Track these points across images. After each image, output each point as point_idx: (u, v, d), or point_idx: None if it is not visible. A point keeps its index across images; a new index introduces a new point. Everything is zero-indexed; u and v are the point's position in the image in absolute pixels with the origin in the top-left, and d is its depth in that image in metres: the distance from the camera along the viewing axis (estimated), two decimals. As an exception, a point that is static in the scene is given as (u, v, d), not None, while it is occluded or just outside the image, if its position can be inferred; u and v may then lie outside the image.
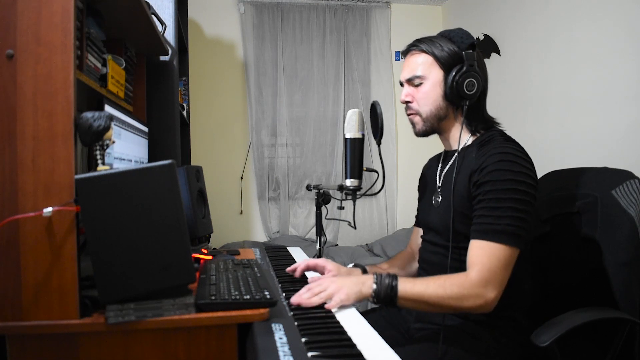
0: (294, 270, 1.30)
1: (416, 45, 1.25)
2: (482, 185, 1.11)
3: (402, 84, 1.29)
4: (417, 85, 1.24)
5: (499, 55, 3.17)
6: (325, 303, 1.05)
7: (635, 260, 1.18)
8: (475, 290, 1.04)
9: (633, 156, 2.09)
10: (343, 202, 1.44)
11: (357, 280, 1.09)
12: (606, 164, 1.34)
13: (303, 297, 1.06)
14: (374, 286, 1.07)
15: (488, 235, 1.08)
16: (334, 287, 1.07)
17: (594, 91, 2.35)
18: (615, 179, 1.25)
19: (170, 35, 2.13)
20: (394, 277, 1.07)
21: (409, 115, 1.29)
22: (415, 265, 1.46)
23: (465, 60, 1.19)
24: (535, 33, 2.80)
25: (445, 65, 1.21)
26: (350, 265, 1.38)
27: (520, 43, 2.94)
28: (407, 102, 1.27)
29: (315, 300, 1.05)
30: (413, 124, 1.28)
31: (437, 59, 1.21)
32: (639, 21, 2.09)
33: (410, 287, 1.06)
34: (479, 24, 3.34)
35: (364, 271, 1.34)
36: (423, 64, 1.23)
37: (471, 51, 1.20)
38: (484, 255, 1.07)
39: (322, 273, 1.28)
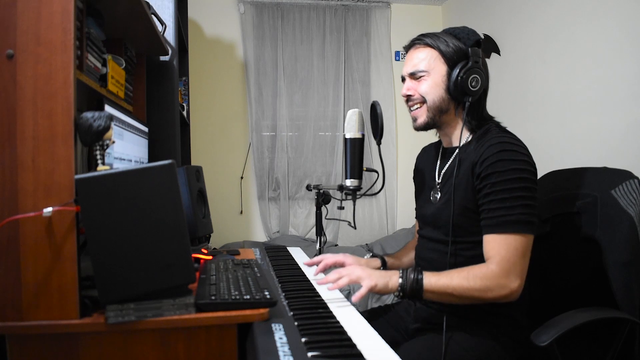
0: (310, 266, 1.32)
1: (420, 40, 1.25)
2: (487, 177, 1.12)
3: (403, 79, 1.29)
4: (419, 79, 1.24)
5: (499, 55, 3.17)
6: (327, 308, 1.05)
7: (635, 260, 1.18)
8: (498, 282, 1.06)
9: (633, 156, 2.09)
10: (343, 202, 1.44)
11: (384, 273, 1.12)
12: (606, 164, 1.34)
13: (330, 278, 1.10)
14: (400, 280, 1.10)
15: (503, 228, 1.09)
16: (363, 273, 1.11)
17: (594, 91, 2.35)
18: (614, 179, 1.25)
19: (170, 35, 2.13)
20: (419, 271, 1.10)
21: (411, 108, 1.28)
22: None
23: (470, 56, 1.19)
24: (535, 33, 2.80)
25: (450, 60, 1.21)
26: (368, 255, 1.40)
27: (520, 43, 2.94)
28: (408, 96, 1.27)
29: (344, 282, 1.09)
30: (415, 117, 1.27)
31: (442, 53, 1.21)
32: (639, 21, 2.09)
33: (435, 280, 1.09)
34: (479, 24, 3.34)
35: (383, 261, 1.36)
36: (427, 59, 1.22)
37: (477, 48, 1.20)
38: (502, 248, 1.08)
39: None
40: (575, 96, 2.48)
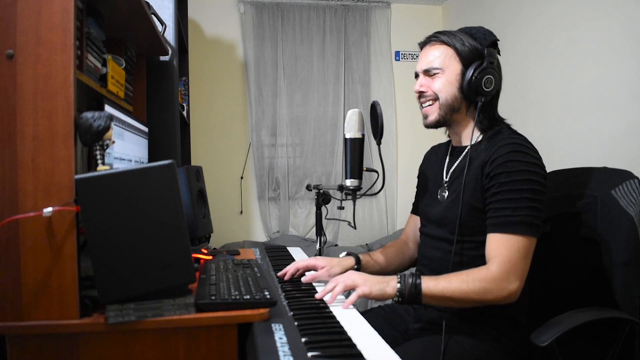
0: (285, 274, 1.30)
1: (436, 37, 1.25)
2: (496, 176, 1.12)
3: (416, 76, 1.29)
4: (433, 76, 1.24)
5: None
6: (327, 308, 1.05)
7: (635, 260, 1.18)
8: (497, 283, 1.06)
9: (633, 156, 2.09)
10: (343, 202, 1.44)
11: (381, 279, 1.11)
12: (606, 164, 1.34)
13: (327, 288, 1.09)
14: (398, 285, 1.09)
15: (506, 228, 1.09)
16: (359, 280, 1.10)
17: (594, 91, 2.35)
18: (615, 179, 1.25)
19: (170, 35, 2.13)
20: (417, 276, 1.10)
21: (423, 104, 1.27)
22: (409, 253, 1.46)
23: (485, 56, 1.19)
24: (535, 33, 2.80)
25: (465, 59, 1.21)
26: (343, 254, 1.38)
27: (520, 43, 2.93)
28: (421, 92, 1.26)
29: (339, 289, 1.08)
30: (426, 114, 1.27)
31: (458, 52, 1.21)
32: (639, 21, 2.09)
33: (433, 284, 1.08)
34: (478, 24, 3.33)
35: (357, 259, 1.35)
36: (442, 56, 1.23)
37: (492, 49, 1.20)
38: (504, 248, 1.08)
39: (315, 271, 1.29)
40: (575, 96, 2.48)
